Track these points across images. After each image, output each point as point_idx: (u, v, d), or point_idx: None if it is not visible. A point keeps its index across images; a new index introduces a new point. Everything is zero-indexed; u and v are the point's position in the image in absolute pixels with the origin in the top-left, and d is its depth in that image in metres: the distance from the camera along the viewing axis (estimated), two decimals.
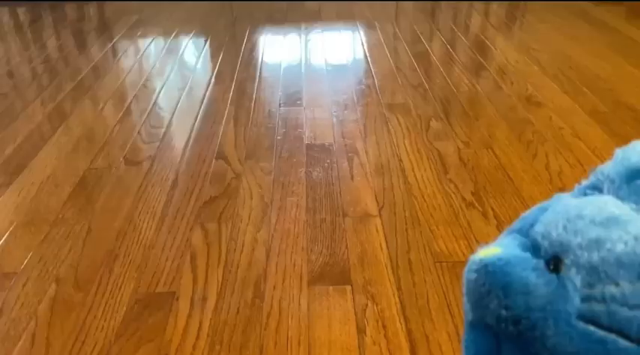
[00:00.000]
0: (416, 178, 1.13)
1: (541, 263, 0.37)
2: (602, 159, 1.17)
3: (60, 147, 1.32)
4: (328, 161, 1.21)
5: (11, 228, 1.02)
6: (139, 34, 2.15)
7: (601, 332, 0.33)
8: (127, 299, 0.85)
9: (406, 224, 1.00)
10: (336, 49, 1.94)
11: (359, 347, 0.75)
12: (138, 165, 1.23)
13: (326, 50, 1.92)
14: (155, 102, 1.55)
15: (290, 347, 0.76)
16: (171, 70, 1.79)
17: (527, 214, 0.43)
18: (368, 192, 1.09)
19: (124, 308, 0.83)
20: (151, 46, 2.03)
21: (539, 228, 0.39)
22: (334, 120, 1.41)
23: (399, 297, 0.83)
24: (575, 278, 0.35)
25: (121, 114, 1.49)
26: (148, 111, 1.50)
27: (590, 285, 0.34)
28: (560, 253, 0.36)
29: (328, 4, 2.46)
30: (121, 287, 0.87)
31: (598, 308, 0.34)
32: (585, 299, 0.34)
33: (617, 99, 1.43)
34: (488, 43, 1.95)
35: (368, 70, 1.72)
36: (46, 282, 0.89)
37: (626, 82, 1.56)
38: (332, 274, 0.89)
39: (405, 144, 1.27)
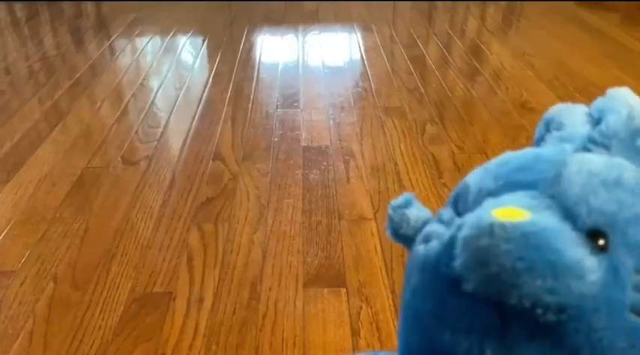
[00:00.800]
0: (411, 182, 1.15)
1: (582, 237, 0.30)
2: None
3: (57, 145, 1.33)
4: (325, 163, 1.23)
5: (9, 226, 1.03)
6: (136, 32, 2.15)
7: None
8: (125, 298, 0.86)
9: None
10: (334, 50, 1.95)
11: (353, 349, 0.76)
12: (135, 165, 1.24)
13: (323, 52, 1.93)
14: (153, 102, 1.56)
15: (285, 348, 0.77)
16: (169, 69, 1.80)
17: (523, 161, 0.36)
18: (364, 195, 1.11)
19: (122, 308, 0.84)
20: (149, 45, 2.03)
21: (569, 190, 0.32)
22: (331, 122, 1.42)
23: (393, 300, 0.84)
24: (626, 261, 0.30)
25: (118, 113, 1.49)
26: (145, 110, 1.51)
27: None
28: (604, 226, 0.31)
29: (326, 4, 2.47)
30: (118, 286, 0.88)
31: None
32: (637, 287, 0.30)
33: None
34: (483, 47, 1.96)
35: (364, 73, 1.74)
36: (44, 281, 0.90)
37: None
38: (327, 276, 0.90)
39: (400, 148, 1.28)
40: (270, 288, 0.88)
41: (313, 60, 1.87)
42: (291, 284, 0.88)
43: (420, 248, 0.37)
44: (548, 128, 0.41)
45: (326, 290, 0.87)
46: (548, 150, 0.36)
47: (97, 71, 1.78)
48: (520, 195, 0.33)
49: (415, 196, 0.42)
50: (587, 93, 1.54)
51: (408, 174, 1.18)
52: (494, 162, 0.38)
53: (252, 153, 1.28)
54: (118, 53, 1.96)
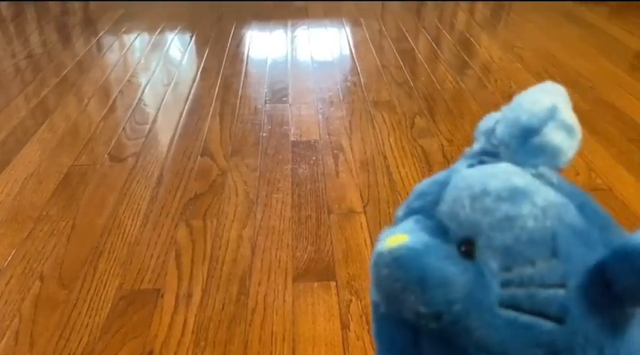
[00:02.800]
0: (400, 175, 1.14)
1: (453, 248, 0.34)
2: (583, 156, 1.19)
3: (44, 143, 1.31)
4: (314, 158, 1.22)
5: None
6: (123, 29, 2.14)
7: (524, 317, 0.32)
8: (112, 295, 0.85)
9: (390, 220, 1.01)
10: (322, 45, 1.94)
11: (343, 343, 0.76)
12: (123, 162, 1.22)
13: (312, 47, 1.92)
14: (140, 98, 1.55)
15: (275, 343, 0.76)
16: (157, 65, 1.78)
17: (424, 189, 0.40)
18: (353, 189, 1.10)
19: (109, 305, 0.83)
20: (136, 42, 2.02)
21: (444, 208, 0.36)
22: (320, 116, 1.41)
23: None
24: (491, 263, 0.33)
25: (105, 110, 1.48)
26: (132, 107, 1.49)
27: (507, 268, 0.33)
28: (471, 235, 0.34)
29: (314, 2, 2.46)
30: (105, 284, 0.87)
31: (518, 292, 0.32)
32: (504, 284, 0.33)
33: (598, 97, 1.45)
34: (472, 40, 1.96)
35: (354, 67, 1.73)
36: (30, 279, 0.89)
37: (607, 80, 1.58)
38: (317, 270, 0.89)
39: (389, 141, 1.28)
40: (259, 283, 0.87)
41: (302, 55, 1.86)
42: (281, 279, 0.88)
43: None
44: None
45: (316, 283, 0.86)
46: (443, 172, 0.40)
47: (84, 68, 1.77)
48: (407, 221, 0.37)
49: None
50: (576, 85, 1.54)
51: (397, 168, 1.17)
52: (412, 190, 0.42)
53: (240, 148, 1.27)
54: (105, 50, 1.94)
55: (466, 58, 1.80)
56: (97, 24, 2.21)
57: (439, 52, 1.85)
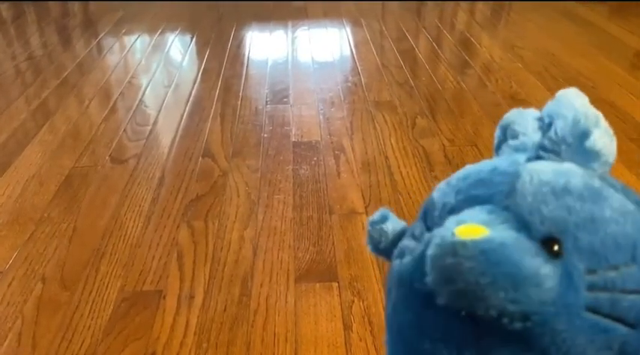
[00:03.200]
0: (402, 175, 1.14)
1: (537, 246, 0.32)
2: None
3: (45, 145, 1.31)
4: (315, 158, 1.22)
5: None
6: (124, 30, 2.14)
7: (604, 321, 0.32)
8: (114, 297, 0.85)
9: None
10: (323, 46, 1.94)
11: (345, 344, 0.76)
12: (124, 163, 1.22)
13: (313, 47, 1.92)
14: (141, 100, 1.55)
15: (277, 344, 0.76)
16: (157, 67, 1.78)
17: (484, 177, 0.38)
18: (354, 189, 1.10)
19: (111, 307, 0.83)
20: (137, 43, 2.02)
21: (521, 201, 0.34)
22: (321, 117, 1.41)
23: (385, 293, 0.84)
24: (578, 265, 0.32)
25: (106, 111, 1.48)
26: (133, 108, 1.49)
27: (592, 271, 0.32)
28: (556, 233, 0.33)
29: (314, 2, 2.46)
30: (107, 285, 0.87)
31: (602, 296, 0.32)
32: (590, 287, 0.32)
33: (599, 96, 1.45)
34: (473, 40, 1.96)
35: (354, 68, 1.73)
36: (32, 281, 0.89)
37: (608, 79, 1.58)
38: (318, 271, 0.89)
39: (391, 142, 1.28)
40: (261, 284, 0.87)
41: (303, 55, 1.86)
42: (283, 280, 0.88)
43: (396, 263, 0.40)
44: (504, 134, 0.43)
45: (317, 284, 0.86)
46: (503, 162, 0.38)
47: (84, 70, 1.77)
48: (478, 211, 0.35)
49: (391, 210, 0.45)
50: (576, 84, 1.53)
51: (399, 168, 1.17)
52: (455, 176, 0.40)
53: (241, 149, 1.27)
54: (105, 51, 1.94)
55: (467, 57, 1.80)
56: (97, 25, 2.21)
57: (440, 52, 1.85)
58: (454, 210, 0.37)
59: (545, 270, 0.31)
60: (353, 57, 1.82)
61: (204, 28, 2.14)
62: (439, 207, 0.39)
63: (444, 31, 2.06)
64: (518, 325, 0.31)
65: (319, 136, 1.32)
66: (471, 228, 0.32)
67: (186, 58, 1.88)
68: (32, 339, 0.78)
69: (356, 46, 1.92)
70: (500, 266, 0.31)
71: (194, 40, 2.03)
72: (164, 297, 0.85)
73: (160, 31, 2.12)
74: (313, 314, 0.81)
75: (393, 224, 0.44)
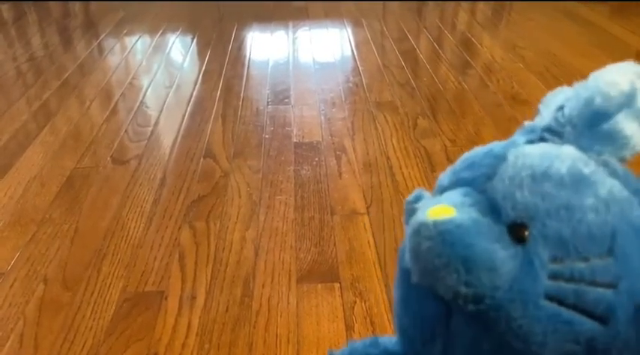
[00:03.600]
0: (403, 176, 1.14)
1: (503, 230, 0.32)
2: None
3: (46, 146, 1.31)
4: (316, 159, 1.22)
5: None
6: (125, 31, 2.14)
7: (568, 313, 0.31)
8: (116, 298, 0.85)
9: (394, 221, 1.01)
10: (324, 46, 1.94)
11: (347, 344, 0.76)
12: (125, 164, 1.22)
13: (314, 48, 1.92)
14: (142, 101, 1.55)
15: (279, 345, 0.76)
16: (158, 68, 1.78)
17: (475, 159, 0.37)
18: (356, 190, 1.10)
19: (113, 308, 0.83)
20: (138, 44, 2.02)
21: (498, 185, 0.34)
22: (322, 118, 1.41)
23: (387, 294, 0.84)
24: (542, 252, 0.31)
25: (107, 112, 1.48)
26: (135, 109, 1.49)
27: (557, 260, 0.31)
28: (525, 219, 0.32)
29: (315, 2, 2.46)
30: (109, 286, 0.87)
31: (566, 286, 0.31)
32: (552, 276, 0.31)
33: None
34: (474, 40, 1.96)
35: (355, 68, 1.73)
36: (34, 282, 0.89)
37: None
38: (320, 271, 0.89)
39: (392, 142, 1.28)
40: (263, 285, 0.87)
41: (304, 56, 1.86)
42: (284, 281, 0.88)
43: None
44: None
45: (319, 285, 0.86)
46: (501, 144, 0.38)
47: (85, 71, 1.77)
48: (455, 193, 0.35)
49: (426, 191, 0.44)
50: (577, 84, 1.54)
51: (400, 169, 1.17)
52: (461, 158, 0.40)
53: (243, 150, 1.27)
54: (106, 52, 1.94)
55: (468, 58, 1.79)
56: (98, 26, 2.22)
57: (441, 52, 1.85)
58: (444, 191, 0.37)
59: (502, 255, 0.31)
60: (354, 57, 1.82)
61: (205, 29, 2.14)
62: (435, 188, 0.39)
63: (445, 32, 2.06)
64: (472, 307, 0.31)
65: (320, 137, 1.32)
66: (441, 208, 0.32)
67: (187, 58, 1.88)
68: (34, 340, 0.78)
69: (357, 46, 1.92)
70: (454, 248, 0.31)
71: (195, 40, 2.03)
72: (166, 298, 0.85)
73: (160, 31, 2.12)
74: (315, 315, 0.81)
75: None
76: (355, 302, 0.83)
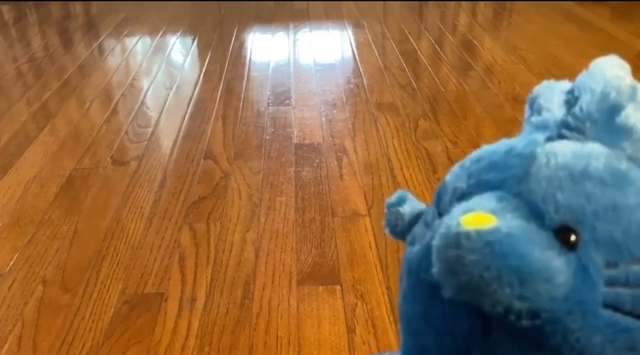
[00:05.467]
0: (405, 177, 1.14)
1: (550, 236, 0.30)
2: None
3: (46, 146, 1.31)
4: (317, 160, 1.21)
5: None
6: (125, 32, 2.13)
7: (625, 320, 0.29)
8: (115, 300, 0.84)
9: None
10: (325, 48, 1.94)
11: (349, 347, 0.75)
12: (125, 165, 1.22)
13: (314, 49, 1.92)
14: (142, 102, 1.54)
15: (280, 347, 0.76)
16: (159, 68, 1.78)
17: (497, 159, 0.35)
18: (357, 192, 1.10)
19: (112, 310, 0.82)
20: (138, 45, 2.01)
21: (535, 187, 0.31)
22: (323, 119, 1.41)
23: (389, 296, 0.83)
24: (595, 258, 0.29)
25: (107, 113, 1.48)
26: (135, 110, 1.49)
27: (612, 265, 0.29)
28: (571, 223, 0.30)
29: (316, 3, 2.46)
30: (108, 288, 0.87)
31: (623, 292, 0.29)
32: (609, 282, 0.29)
33: None
34: (475, 42, 1.96)
35: (356, 69, 1.72)
36: (33, 284, 0.88)
37: None
38: (321, 274, 0.89)
39: (393, 144, 1.27)
40: (263, 287, 0.86)
41: (304, 57, 1.85)
42: (285, 283, 0.87)
43: (407, 250, 0.38)
44: (532, 109, 0.40)
45: (320, 287, 0.86)
46: (520, 142, 0.35)
47: (85, 72, 1.76)
48: (487, 198, 0.32)
49: (409, 192, 0.42)
50: None
51: (401, 170, 1.17)
52: (470, 157, 0.37)
53: (243, 151, 1.26)
54: (107, 53, 1.94)
55: (469, 59, 1.79)
56: (98, 27, 2.21)
57: (442, 54, 1.84)
58: (465, 195, 0.34)
59: (557, 264, 0.29)
60: (355, 58, 1.82)
61: (206, 30, 2.14)
62: (450, 192, 0.36)
63: (446, 33, 2.06)
64: (526, 323, 0.29)
65: (321, 138, 1.31)
66: (478, 216, 0.30)
67: (188, 59, 1.87)
68: (33, 342, 0.77)
69: (357, 47, 1.92)
70: (506, 260, 0.28)
71: (195, 41, 2.03)
72: (166, 300, 0.84)
73: (161, 32, 2.12)
74: (316, 318, 0.80)
75: (411, 206, 0.41)
76: (356, 304, 0.82)
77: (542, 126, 0.37)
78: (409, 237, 0.39)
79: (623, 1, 2.31)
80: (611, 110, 0.33)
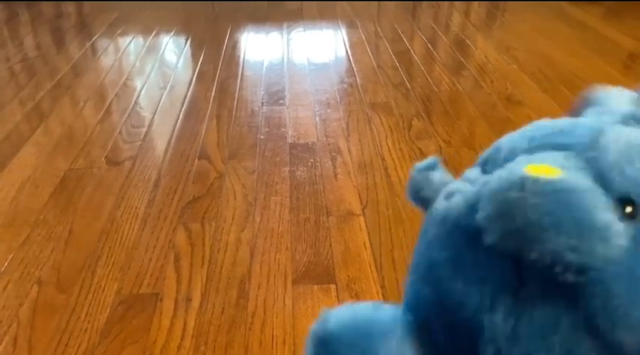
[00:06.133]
0: (399, 177, 1.14)
1: (611, 203, 0.30)
2: None
3: (39, 147, 1.30)
4: (312, 160, 1.22)
5: None
6: (118, 32, 2.13)
7: None
8: (111, 300, 0.84)
9: (389, 222, 1.01)
10: (319, 47, 1.94)
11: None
12: (119, 165, 1.22)
13: (308, 49, 1.92)
14: (136, 102, 1.54)
15: (275, 347, 0.76)
16: (152, 68, 1.78)
17: (564, 126, 0.35)
18: (351, 191, 1.10)
19: (108, 310, 0.83)
20: (131, 45, 2.01)
21: (605, 156, 0.32)
22: (317, 119, 1.41)
23: (383, 295, 0.84)
24: None
25: (101, 113, 1.47)
26: (128, 110, 1.49)
27: None
28: (634, 195, 0.30)
29: (310, 3, 2.46)
30: (104, 288, 0.87)
31: None
32: None
33: None
34: (468, 42, 1.97)
35: (350, 69, 1.73)
36: (28, 284, 0.88)
37: (601, 80, 1.59)
38: (316, 273, 0.89)
39: (387, 143, 1.28)
40: (258, 286, 0.87)
41: (298, 57, 1.86)
42: (280, 282, 0.87)
43: (441, 203, 0.38)
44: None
45: (315, 286, 0.86)
46: (586, 119, 0.36)
47: (78, 72, 1.76)
48: (554, 155, 0.32)
49: (440, 161, 0.42)
50: (571, 85, 1.55)
51: (395, 170, 1.17)
52: (528, 127, 0.38)
53: (238, 151, 1.27)
54: (100, 53, 1.93)
55: (462, 59, 1.80)
56: (91, 27, 2.21)
57: (435, 54, 1.85)
58: (526, 153, 0.34)
59: (617, 227, 0.28)
60: (348, 58, 1.82)
61: (200, 30, 2.14)
62: (507, 150, 0.36)
63: (439, 33, 2.07)
64: (570, 278, 0.28)
65: (315, 138, 1.32)
66: (545, 167, 0.29)
67: (182, 59, 1.87)
68: (28, 343, 0.77)
69: (351, 47, 1.92)
70: (569, 209, 0.28)
71: (189, 41, 2.03)
72: (161, 300, 0.84)
73: (154, 32, 2.11)
74: (311, 317, 0.81)
75: (441, 174, 0.41)
76: None
77: (607, 113, 0.37)
78: (444, 193, 0.38)
79: (617, 0, 2.32)
80: None
